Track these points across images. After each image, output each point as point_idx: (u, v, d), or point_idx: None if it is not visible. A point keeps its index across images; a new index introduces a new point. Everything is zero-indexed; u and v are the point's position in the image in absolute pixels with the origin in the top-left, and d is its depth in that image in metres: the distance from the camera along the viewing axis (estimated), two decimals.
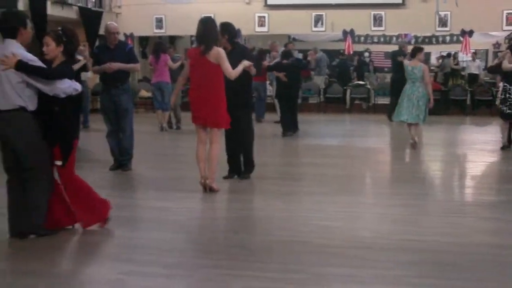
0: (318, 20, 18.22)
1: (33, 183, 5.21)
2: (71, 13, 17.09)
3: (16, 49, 5.15)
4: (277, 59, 13.70)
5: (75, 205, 5.46)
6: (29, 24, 5.34)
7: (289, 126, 12.76)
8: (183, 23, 17.49)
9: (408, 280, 4.35)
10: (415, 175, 8.63)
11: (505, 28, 17.79)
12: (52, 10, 15.91)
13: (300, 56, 17.96)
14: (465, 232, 5.67)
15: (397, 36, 22.01)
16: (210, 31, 6.94)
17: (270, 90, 16.15)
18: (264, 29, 18.55)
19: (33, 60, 5.18)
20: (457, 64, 19.60)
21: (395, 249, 5.05)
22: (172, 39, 20.47)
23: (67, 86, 5.22)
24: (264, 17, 18.49)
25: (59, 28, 5.47)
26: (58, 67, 5.30)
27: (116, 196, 6.63)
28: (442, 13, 17.50)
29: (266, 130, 13.73)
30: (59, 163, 5.30)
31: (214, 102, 6.93)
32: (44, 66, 5.23)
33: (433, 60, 24.83)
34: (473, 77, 21.09)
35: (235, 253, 4.99)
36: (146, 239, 5.46)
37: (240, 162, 7.98)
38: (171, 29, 19.08)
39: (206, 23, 7.01)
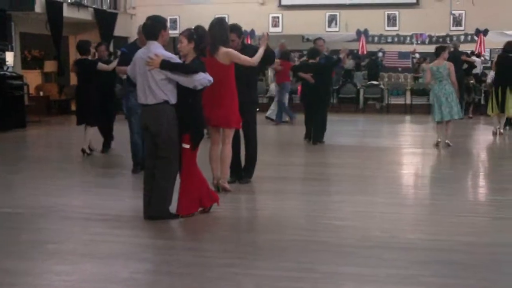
0: (332, 20, 18.23)
1: (163, 171, 5.79)
2: (86, 15, 17.25)
3: (159, 50, 5.78)
4: (303, 59, 13.10)
5: (182, 189, 5.92)
6: (168, 26, 5.89)
7: (317, 134, 11.55)
8: (197, 24, 17.54)
9: (421, 279, 4.35)
10: (429, 175, 8.61)
11: None
12: (68, 12, 16.07)
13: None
14: (478, 231, 5.65)
15: (411, 36, 21.92)
16: (214, 32, 6.88)
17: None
18: (278, 29, 18.59)
19: (173, 57, 5.80)
20: None
21: (409, 249, 5.04)
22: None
23: (202, 78, 5.80)
24: (278, 17, 18.53)
25: (193, 27, 6.12)
26: (191, 62, 5.89)
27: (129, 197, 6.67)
28: (456, 13, 17.46)
29: (282, 132, 13.73)
30: (186, 146, 5.82)
31: (226, 102, 6.91)
32: (182, 62, 5.86)
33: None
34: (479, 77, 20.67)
35: (248, 252, 5.01)
36: (162, 239, 5.50)
37: (241, 165, 7.76)
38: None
39: (211, 25, 6.97)
